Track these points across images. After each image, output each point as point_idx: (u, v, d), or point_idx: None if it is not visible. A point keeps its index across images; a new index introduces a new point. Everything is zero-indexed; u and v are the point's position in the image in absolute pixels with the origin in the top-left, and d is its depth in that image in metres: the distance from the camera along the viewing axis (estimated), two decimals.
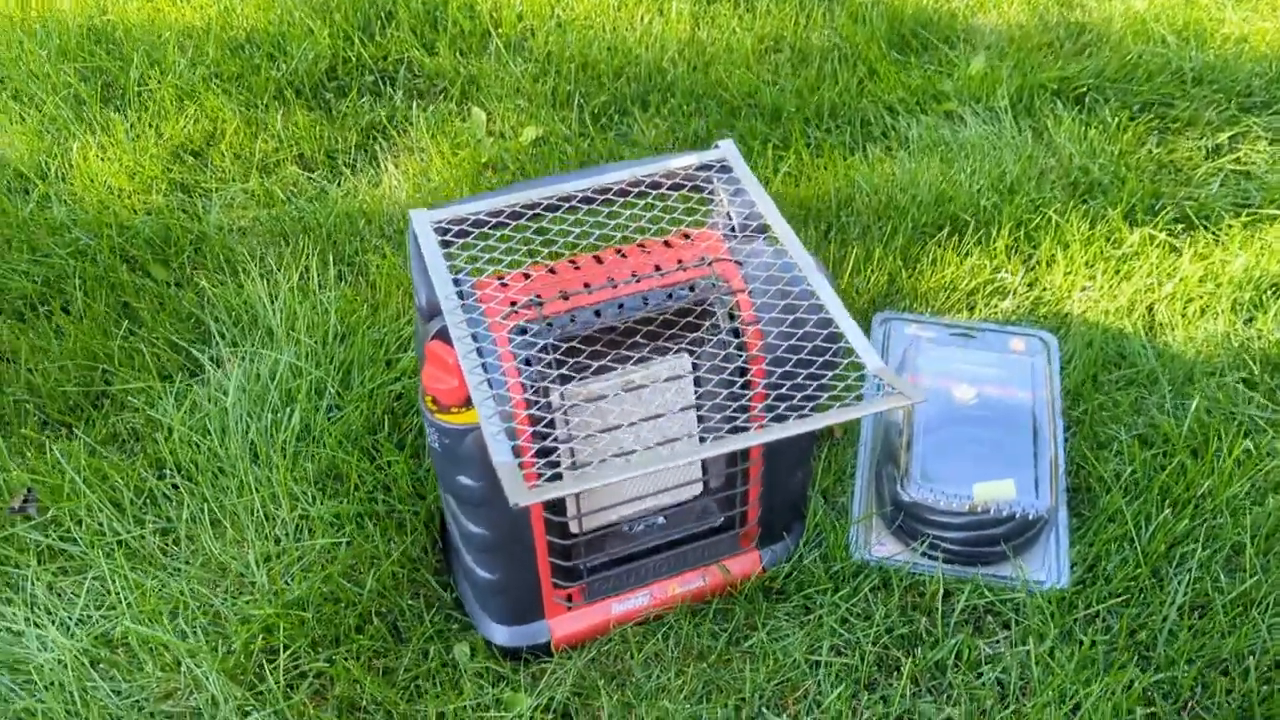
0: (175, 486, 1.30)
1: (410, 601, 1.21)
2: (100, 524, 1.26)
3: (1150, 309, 1.49)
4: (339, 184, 1.70)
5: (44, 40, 1.90)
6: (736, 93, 1.82)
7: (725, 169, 1.11)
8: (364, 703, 1.13)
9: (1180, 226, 1.59)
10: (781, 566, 1.21)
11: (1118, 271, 1.52)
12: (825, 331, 1.02)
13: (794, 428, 0.85)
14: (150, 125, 1.76)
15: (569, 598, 1.16)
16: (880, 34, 1.92)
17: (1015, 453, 1.25)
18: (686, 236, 1.10)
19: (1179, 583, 1.17)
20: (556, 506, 1.07)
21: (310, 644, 1.15)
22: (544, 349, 1.00)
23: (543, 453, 1.03)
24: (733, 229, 1.09)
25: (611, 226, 1.05)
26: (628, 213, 1.07)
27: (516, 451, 0.87)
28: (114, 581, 1.21)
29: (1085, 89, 1.80)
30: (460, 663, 1.16)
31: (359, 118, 1.80)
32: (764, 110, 1.80)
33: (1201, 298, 1.48)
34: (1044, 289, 1.51)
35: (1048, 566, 1.22)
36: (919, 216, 1.58)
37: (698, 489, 1.20)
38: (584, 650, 1.17)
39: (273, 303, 1.46)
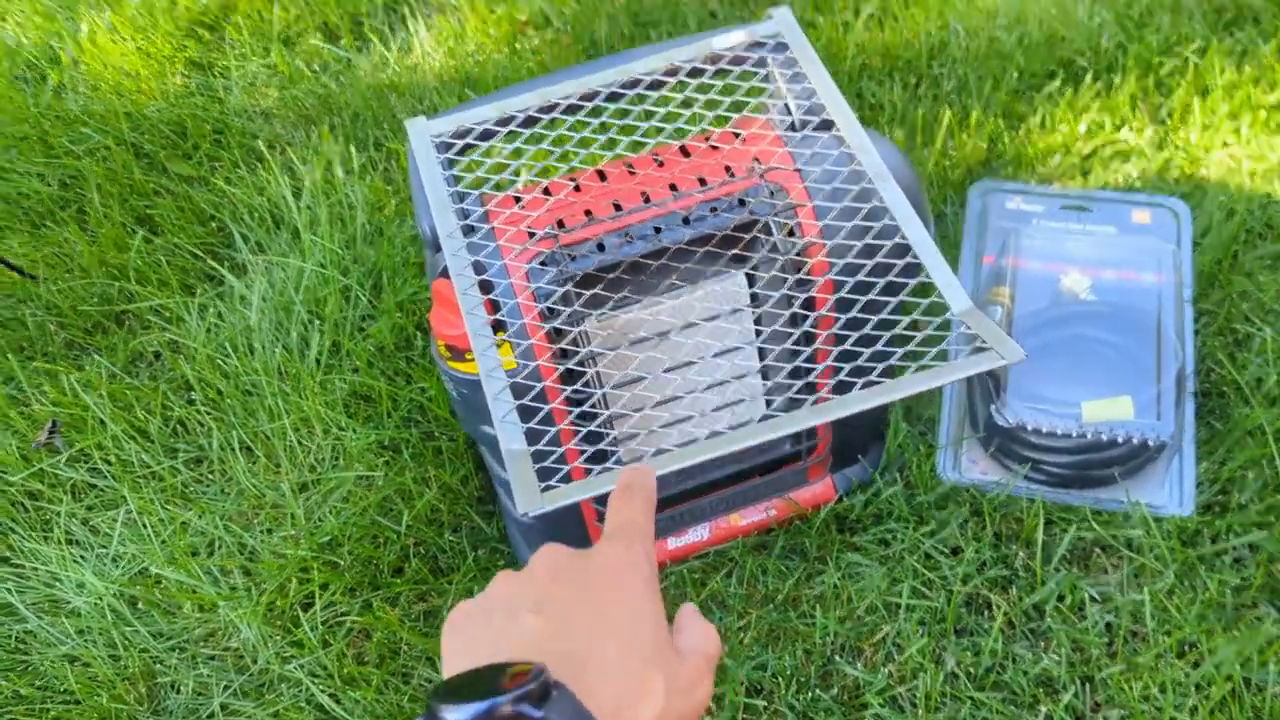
0: (203, 410, 1.22)
1: (451, 537, 1.12)
2: (129, 456, 1.19)
3: None
4: (366, 53, 1.54)
5: None
6: None
7: (781, 47, 0.92)
8: (404, 648, 1.06)
9: None
10: (858, 496, 1.08)
11: (1269, 124, 1.27)
12: (904, 261, 0.85)
13: (862, 400, 0.70)
14: None
15: None
16: None
17: (1134, 362, 1.07)
18: (736, 136, 0.92)
19: None
20: (595, 441, 0.95)
21: (346, 589, 1.08)
22: (566, 281, 0.86)
23: (575, 403, 0.90)
24: (791, 125, 0.90)
25: (645, 129, 0.88)
26: (663, 110, 0.90)
27: (531, 436, 0.75)
28: (146, 517, 1.15)
29: None
30: None
31: None
32: None
33: None
34: (1176, 148, 1.28)
35: (1169, 488, 1.06)
36: (1026, 62, 1.34)
37: (759, 410, 1.06)
38: None
39: (297, 200, 1.33)
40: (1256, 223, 1.21)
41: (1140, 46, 1.32)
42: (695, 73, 0.92)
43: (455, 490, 1.14)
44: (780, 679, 1.00)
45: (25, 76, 1.55)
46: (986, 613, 1.02)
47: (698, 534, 1.08)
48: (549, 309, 0.86)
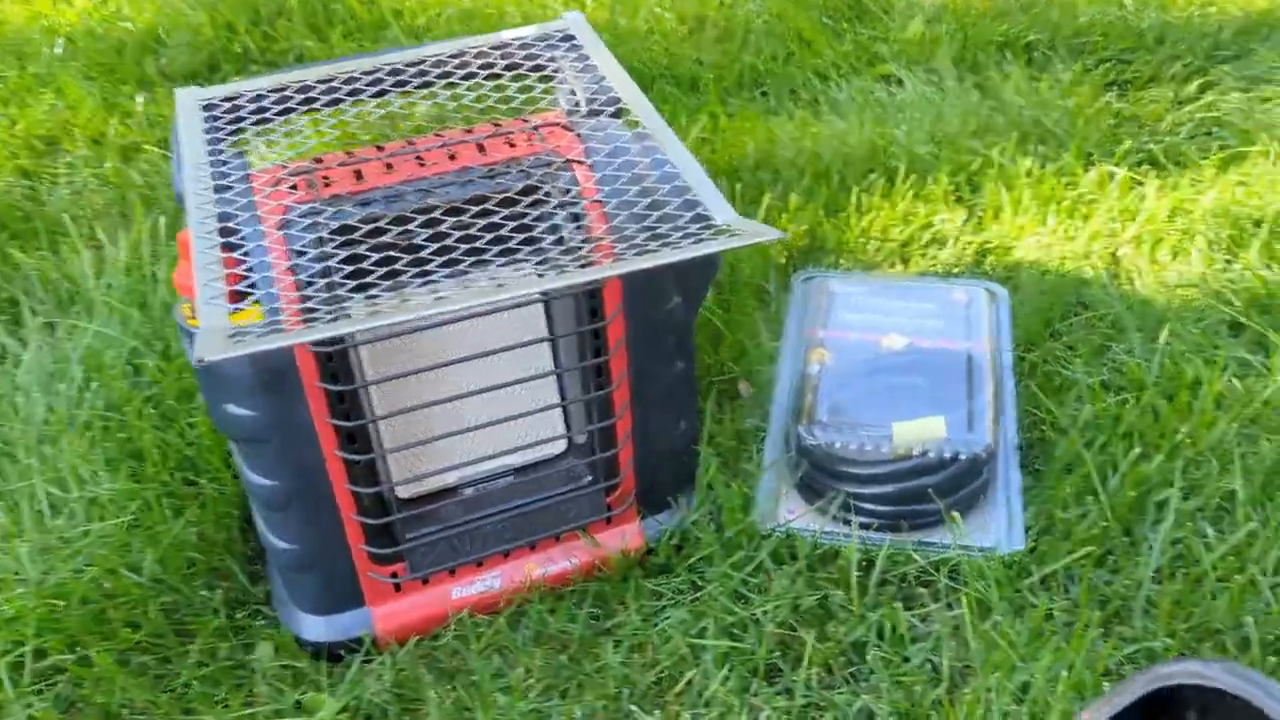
0: None
1: (204, 593, 0.97)
2: None
3: (1114, 254, 1.28)
4: None
5: None
6: (652, 66, 1.66)
7: (570, 40, 0.93)
8: (125, 712, 0.89)
9: (1145, 169, 1.39)
10: (665, 533, 0.98)
11: (1073, 213, 1.31)
12: (681, 199, 0.81)
13: (630, 264, 0.65)
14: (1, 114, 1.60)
15: (394, 575, 0.93)
16: (815, 4, 1.77)
17: (946, 392, 1.03)
18: (525, 122, 0.90)
19: (1156, 539, 0.94)
20: (359, 444, 0.85)
21: (68, 641, 0.92)
22: (323, 237, 0.80)
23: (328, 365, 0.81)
24: (577, 105, 0.89)
25: (428, 107, 0.86)
26: (449, 92, 0.88)
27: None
28: None
29: (1034, 42, 1.63)
30: (259, 665, 0.93)
31: None
32: (680, 81, 1.63)
33: (1173, 236, 1.27)
34: (989, 237, 1.30)
35: (996, 531, 0.98)
36: (846, 171, 1.38)
37: (560, 445, 0.98)
38: (413, 643, 0.93)
39: (98, 278, 1.26)
40: (1069, 300, 1.22)
41: (952, 150, 1.38)
42: (486, 65, 0.92)
43: (219, 544, 1.00)
44: None
45: None
46: (802, 655, 0.90)
47: (487, 583, 0.96)
48: (302, 261, 0.79)
